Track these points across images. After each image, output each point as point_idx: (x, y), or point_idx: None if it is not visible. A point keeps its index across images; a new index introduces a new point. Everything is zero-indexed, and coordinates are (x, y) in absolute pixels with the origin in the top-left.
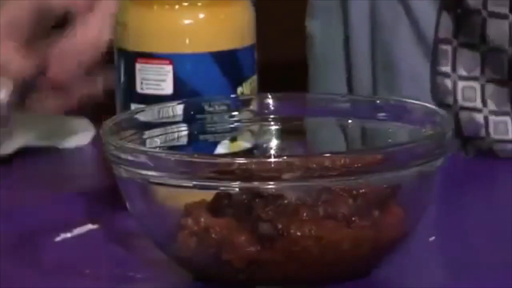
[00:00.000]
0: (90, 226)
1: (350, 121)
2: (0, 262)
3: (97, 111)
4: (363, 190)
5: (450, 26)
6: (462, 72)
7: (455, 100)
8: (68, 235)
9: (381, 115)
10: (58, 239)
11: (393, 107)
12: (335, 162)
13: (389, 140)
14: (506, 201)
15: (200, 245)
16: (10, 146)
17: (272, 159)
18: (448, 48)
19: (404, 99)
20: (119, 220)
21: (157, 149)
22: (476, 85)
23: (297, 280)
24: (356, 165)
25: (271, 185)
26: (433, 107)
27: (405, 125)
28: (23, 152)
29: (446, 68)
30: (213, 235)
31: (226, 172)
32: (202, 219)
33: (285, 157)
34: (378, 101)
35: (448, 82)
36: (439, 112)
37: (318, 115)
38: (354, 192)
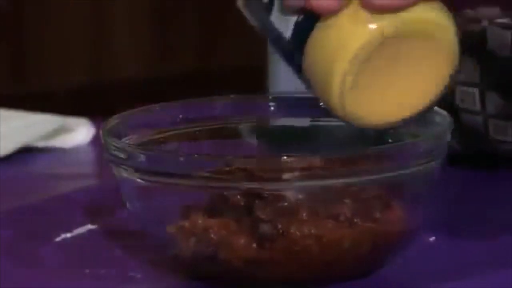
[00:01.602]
0: (90, 226)
1: None
2: (0, 262)
3: (97, 110)
4: (364, 190)
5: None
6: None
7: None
8: (68, 235)
9: None
10: (58, 239)
11: None
12: (335, 162)
13: (389, 140)
14: (507, 201)
15: (199, 245)
16: (10, 146)
17: (272, 159)
18: None
19: None
20: (119, 220)
21: (158, 149)
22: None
23: (297, 280)
24: (356, 165)
25: (271, 185)
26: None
27: (405, 125)
28: (23, 152)
29: None
30: (212, 236)
31: (226, 172)
32: (200, 221)
33: (285, 157)
34: None
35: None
36: (439, 112)
37: (319, 115)
38: (354, 192)
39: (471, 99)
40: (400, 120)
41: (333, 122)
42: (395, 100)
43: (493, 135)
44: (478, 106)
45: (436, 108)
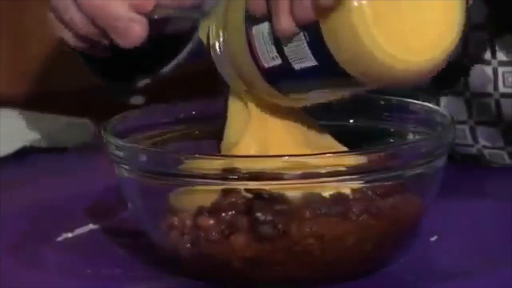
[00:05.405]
0: (91, 226)
1: (351, 120)
2: (0, 262)
3: (98, 110)
4: (365, 189)
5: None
6: None
7: None
8: (70, 234)
9: (384, 114)
10: (59, 238)
11: (395, 107)
12: (337, 162)
13: (391, 140)
14: (506, 201)
15: (195, 245)
16: (12, 146)
17: (274, 159)
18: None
19: (406, 99)
20: (120, 220)
21: (158, 149)
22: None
23: (298, 280)
24: (357, 165)
25: (272, 185)
26: (435, 107)
27: (407, 125)
28: (23, 152)
29: None
30: (201, 235)
31: (227, 172)
32: (188, 221)
33: (286, 157)
34: (381, 102)
35: None
36: (441, 112)
37: (320, 115)
38: (356, 190)
39: (461, 134)
40: (436, 56)
41: (335, 122)
42: (423, 35)
43: (489, 159)
44: (470, 140)
45: (438, 108)
